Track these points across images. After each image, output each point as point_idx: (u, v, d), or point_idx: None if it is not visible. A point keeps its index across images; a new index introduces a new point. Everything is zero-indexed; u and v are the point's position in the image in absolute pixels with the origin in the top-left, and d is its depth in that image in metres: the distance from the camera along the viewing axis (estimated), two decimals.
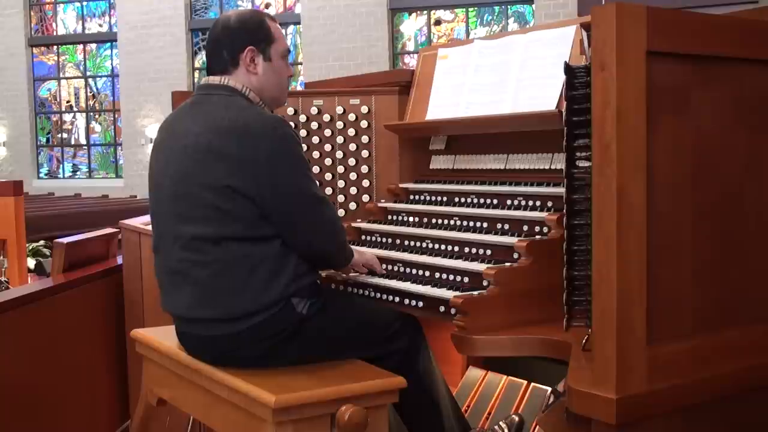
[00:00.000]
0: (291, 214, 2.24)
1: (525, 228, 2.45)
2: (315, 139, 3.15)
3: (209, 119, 2.26)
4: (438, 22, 14.22)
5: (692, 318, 1.77)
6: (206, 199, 2.21)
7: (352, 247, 2.52)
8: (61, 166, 17.27)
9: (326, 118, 3.14)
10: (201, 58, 15.81)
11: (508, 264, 2.27)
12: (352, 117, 3.14)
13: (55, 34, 17.09)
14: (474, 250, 2.48)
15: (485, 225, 2.58)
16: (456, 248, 2.54)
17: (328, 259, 2.43)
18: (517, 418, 2.65)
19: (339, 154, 3.14)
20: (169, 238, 2.30)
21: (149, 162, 2.45)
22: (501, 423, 2.67)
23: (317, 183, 2.36)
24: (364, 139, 3.14)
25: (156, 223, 2.40)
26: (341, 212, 3.14)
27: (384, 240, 2.81)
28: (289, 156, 2.24)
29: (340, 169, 3.15)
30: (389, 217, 2.96)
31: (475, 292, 2.20)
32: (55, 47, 17.14)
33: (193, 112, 2.34)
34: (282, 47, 2.46)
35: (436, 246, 2.62)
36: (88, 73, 17.04)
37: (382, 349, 2.35)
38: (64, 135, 17.22)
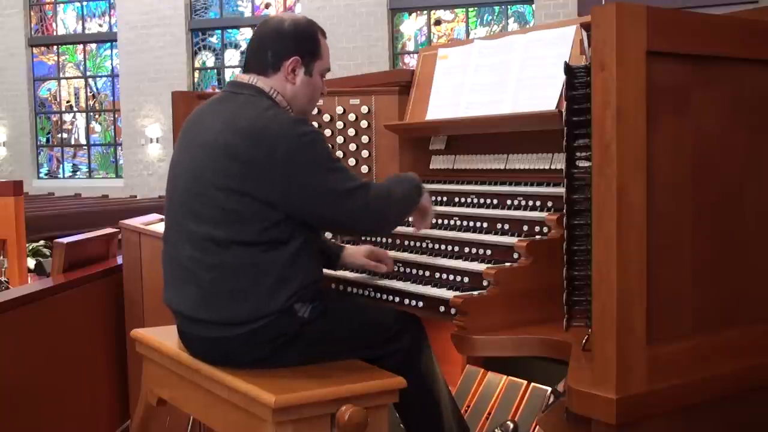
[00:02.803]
0: (317, 212, 2.23)
1: (525, 228, 2.45)
2: None
3: (230, 118, 2.25)
4: (438, 22, 14.22)
5: (692, 318, 1.77)
6: (218, 199, 2.20)
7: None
8: (61, 166, 17.28)
9: (326, 118, 3.14)
10: (201, 58, 15.83)
11: (508, 264, 2.27)
12: (352, 117, 3.14)
13: (55, 34, 17.10)
14: (474, 250, 2.48)
15: (485, 225, 2.58)
16: (456, 248, 2.54)
17: (387, 232, 2.49)
18: (511, 425, 2.65)
19: (339, 154, 3.14)
20: (180, 232, 2.30)
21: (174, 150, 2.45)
22: (496, 430, 2.66)
23: (346, 171, 2.29)
24: (364, 139, 3.14)
25: (169, 213, 2.38)
26: None
27: (384, 240, 2.81)
28: (306, 155, 2.20)
29: None
30: None
31: (475, 292, 2.20)
32: (55, 47, 17.14)
33: (217, 109, 2.34)
34: (325, 65, 2.46)
35: (436, 246, 2.62)
36: (88, 73, 17.05)
37: (382, 349, 2.35)
38: (64, 135, 17.23)
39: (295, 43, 2.38)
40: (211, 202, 2.21)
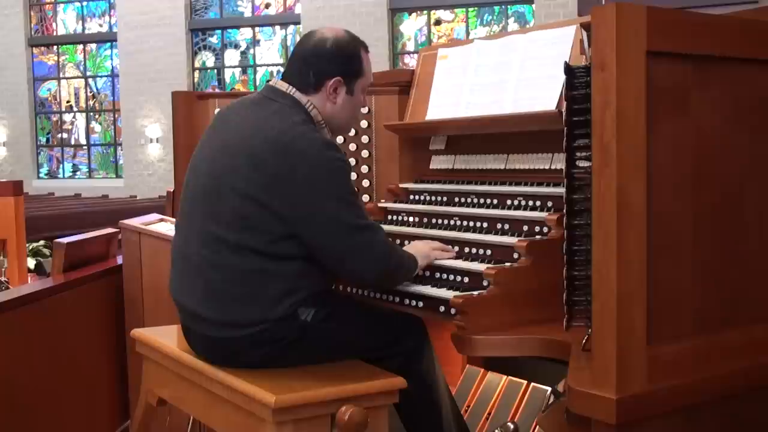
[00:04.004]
0: (320, 239, 2.20)
1: (525, 228, 2.45)
2: None
3: (260, 125, 2.23)
4: (438, 22, 14.23)
5: (692, 318, 1.77)
6: (234, 204, 2.19)
7: (412, 249, 2.44)
8: (61, 166, 17.28)
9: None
10: (201, 58, 15.83)
11: (508, 264, 2.27)
12: None
13: (55, 34, 17.10)
14: (474, 250, 2.48)
15: (485, 225, 2.58)
16: (456, 248, 2.53)
17: (376, 283, 2.41)
18: (512, 426, 2.65)
19: None
20: (193, 226, 2.30)
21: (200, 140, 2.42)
22: (496, 431, 2.66)
23: (360, 208, 2.28)
24: (364, 139, 3.13)
25: (184, 207, 2.38)
26: None
27: None
28: (328, 181, 2.18)
29: None
30: (389, 217, 2.96)
31: (475, 292, 2.20)
32: (55, 47, 17.15)
33: (249, 112, 2.32)
34: (367, 82, 2.44)
35: None
36: (88, 73, 17.05)
37: (383, 352, 2.35)
38: (64, 135, 17.23)
39: (338, 63, 2.36)
40: (227, 204, 2.21)
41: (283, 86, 2.36)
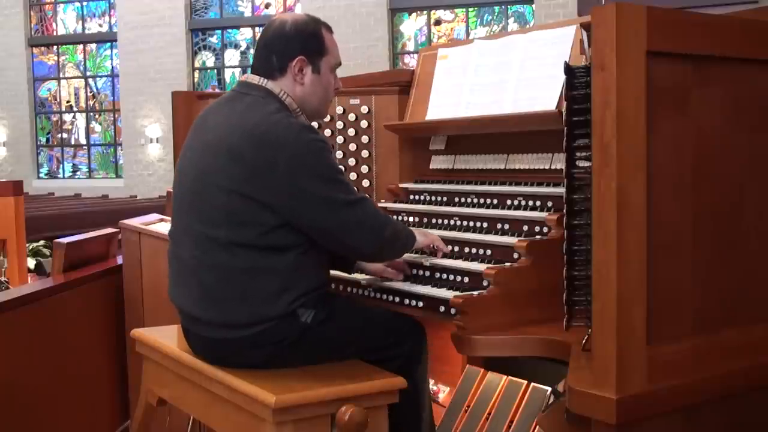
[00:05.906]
0: (311, 220, 2.20)
1: (525, 228, 2.45)
2: None
3: (236, 120, 2.24)
4: (438, 22, 14.23)
5: (692, 318, 1.77)
6: (221, 201, 2.20)
7: (416, 229, 2.47)
8: (61, 166, 17.28)
9: (326, 118, 3.14)
10: (201, 58, 15.83)
11: (508, 264, 2.27)
12: (352, 117, 3.14)
13: (55, 34, 17.10)
14: (474, 250, 2.48)
15: (485, 225, 2.58)
16: (456, 248, 2.54)
17: (375, 256, 2.41)
18: None
19: (339, 154, 3.14)
20: (184, 230, 2.31)
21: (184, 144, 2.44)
22: None
23: (347, 184, 2.28)
24: (364, 139, 3.13)
25: (175, 210, 2.39)
26: None
27: None
28: (309, 162, 2.18)
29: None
30: None
31: (475, 292, 2.20)
32: (55, 47, 17.15)
33: (225, 109, 2.33)
34: (334, 60, 2.44)
35: None
36: (88, 73, 17.05)
37: (382, 354, 2.34)
38: (64, 135, 17.23)
39: (298, 42, 2.37)
40: (213, 202, 2.21)
41: (255, 79, 2.37)
